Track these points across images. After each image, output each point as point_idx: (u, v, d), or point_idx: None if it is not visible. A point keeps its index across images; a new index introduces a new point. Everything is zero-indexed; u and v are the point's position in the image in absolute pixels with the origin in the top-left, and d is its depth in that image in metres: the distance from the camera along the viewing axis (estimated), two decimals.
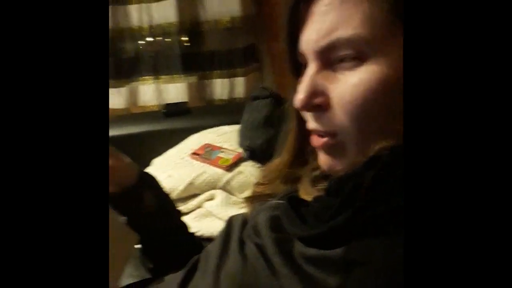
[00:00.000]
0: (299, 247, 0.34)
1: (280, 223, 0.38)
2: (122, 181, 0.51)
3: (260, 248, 0.37)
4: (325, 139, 0.37)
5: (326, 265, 0.31)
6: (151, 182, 0.56)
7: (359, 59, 0.33)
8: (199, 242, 0.62)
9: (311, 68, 0.36)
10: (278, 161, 0.49)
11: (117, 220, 0.51)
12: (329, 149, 0.38)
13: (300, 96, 0.36)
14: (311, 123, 0.38)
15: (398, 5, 0.31)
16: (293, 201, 0.39)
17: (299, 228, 0.35)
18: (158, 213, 0.54)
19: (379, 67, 0.32)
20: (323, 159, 0.39)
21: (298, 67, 0.39)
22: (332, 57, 0.34)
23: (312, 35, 0.35)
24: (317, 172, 0.44)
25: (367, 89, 0.32)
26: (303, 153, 0.44)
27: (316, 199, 0.37)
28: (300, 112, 0.39)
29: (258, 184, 0.52)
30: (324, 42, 0.34)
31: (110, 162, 0.49)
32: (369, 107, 0.33)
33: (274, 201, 0.44)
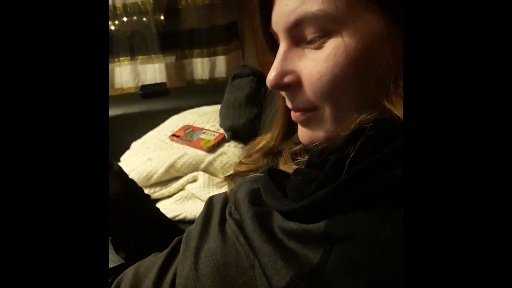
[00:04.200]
0: (279, 221, 0.33)
1: (259, 196, 0.37)
2: None
3: (240, 225, 0.36)
4: (299, 113, 0.37)
5: (307, 239, 0.30)
6: (111, 168, 0.54)
7: (325, 36, 0.33)
8: (176, 227, 0.60)
9: (282, 47, 0.36)
10: (266, 137, 0.48)
11: None
12: (306, 123, 0.38)
13: (269, 76, 0.36)
14: (287, 102, 0.38)
15: None
16: (273, 173, 0.38)
17: (280, 201, 0.34)
18: (123, 199, 0.53)
19: (344, 43, 0.32)
20: (301, 133, 0.39)
21: (276, 46, 0.39)
22: (300, 35, 0.34)
23: (281, 12, 0.35)
24: (299, 146, 0.43)
25: (334, 64, 0.32)
26: (292, 130, 0.44)
27: (297, 171, 0.36)
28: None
29: (241, 163, 0.50)
30: (292, 18, 0.34)
31: None
32: (339, 83, 0.33)
33: (253, 174, 0.43)
